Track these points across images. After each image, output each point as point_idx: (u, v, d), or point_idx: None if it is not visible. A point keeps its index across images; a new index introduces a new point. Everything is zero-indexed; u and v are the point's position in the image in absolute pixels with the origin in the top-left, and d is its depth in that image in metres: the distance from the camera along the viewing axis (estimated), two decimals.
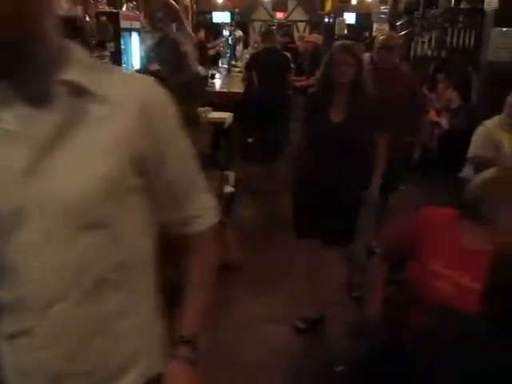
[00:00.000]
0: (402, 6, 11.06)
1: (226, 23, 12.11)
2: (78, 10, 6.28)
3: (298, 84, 6.89)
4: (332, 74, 2.93)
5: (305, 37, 9.23)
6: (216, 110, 5.00)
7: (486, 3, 5.47)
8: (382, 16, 8.94)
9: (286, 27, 17.22)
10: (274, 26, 16.92)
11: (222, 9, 17.84)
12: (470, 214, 1.83)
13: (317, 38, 7.56)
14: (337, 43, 3.19)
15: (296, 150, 3.23)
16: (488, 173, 1.90)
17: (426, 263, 1.82)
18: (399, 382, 1.51)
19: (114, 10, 7.01)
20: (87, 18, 6.36)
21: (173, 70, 3.65)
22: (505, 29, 5.19)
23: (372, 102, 2.98)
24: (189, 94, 3.46)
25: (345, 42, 3.27)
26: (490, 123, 3.34)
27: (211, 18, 17.54)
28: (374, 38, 6.42)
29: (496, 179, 1.85)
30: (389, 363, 1.56)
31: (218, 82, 7.07)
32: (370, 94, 2.99)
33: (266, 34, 6.47)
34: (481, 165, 3.05)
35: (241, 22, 16.75)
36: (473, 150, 3.29)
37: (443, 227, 1.87)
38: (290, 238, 3.21)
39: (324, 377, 2.01)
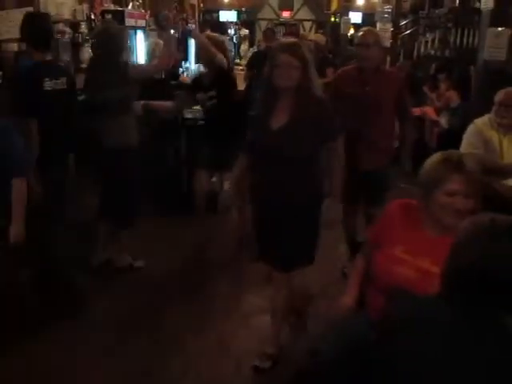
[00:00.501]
0: (407, 5, 11.11)
1: (232, 22, 12.16)
2: (84, 8, 6.40)
3: None
4: (274, 78, 2.53)
5: (306, 36, 9.26)
6: None
7: (482, 3, 5.52)
8: (386, 15, 8.95)
9: (293, 26, 17.30)
10: (282, 24, 17.03)
11: (228, 7, 17.93)
12: (423, 202, 1.88)
13: (319, 37, 7.59)
14: (279, 41, 2.91)
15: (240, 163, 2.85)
16: (430, 159, 1.90)
17: (389, 250, 1.89)
18: (375, 369, 1.57)
19: (119, 8, 7.12)
20: (93, 16, 6.48)
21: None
22: (500, 28, 5.24)
23: (320, 104, 2.59)
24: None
25: (289, 40, 2.92)
26: (480, 121, 3.44)
27: (218, 17, 17.65)
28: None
29: (435, 164, 1.86)
30: (365, 350, 1.63)
31: None
32: (319, 97, 2.61)
33: (268, 33, 6.55)
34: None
35: (247, 20, 16.82)
36: (464, 147, 3.38)
37: (408, 216, 1.94)
38: None
39: (308, 365, 2.07)
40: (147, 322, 3.19)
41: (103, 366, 2.75)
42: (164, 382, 2.71)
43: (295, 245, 2.62)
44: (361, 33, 3.58)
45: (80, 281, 3.49)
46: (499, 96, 3.37)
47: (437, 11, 9.71)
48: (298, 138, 2.51)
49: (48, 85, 3.27)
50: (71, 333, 2.99)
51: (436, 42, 8.77)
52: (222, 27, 11.96)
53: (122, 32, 3.93)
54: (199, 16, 15.62)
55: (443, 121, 6.16)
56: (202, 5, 16.35)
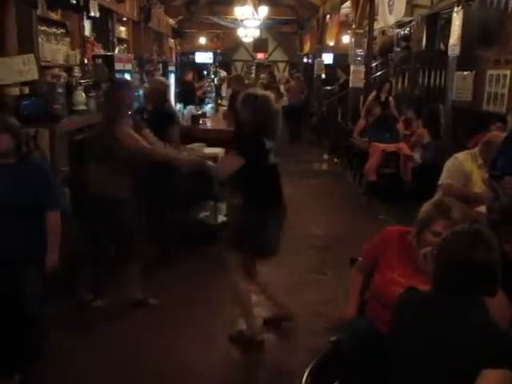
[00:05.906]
0: (376, 47, 11.74)
1: (210, 64, 12.62)
2: (77, 53, 6.73)
3: None
4: None
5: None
6: (209, 145, 5.45)
7: (449, 50, 6.07)
8: (358, 58, 9.55)
9: (269, 67, 18.01)
10: (268, 65, 17.68)
11: (204, 49, 18.55)
12: (416, 237, 2.22)
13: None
14: None
15: None
16: (426, 203, 2.24)
17: (387, 274, 2.25)
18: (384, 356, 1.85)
19: (109, 53, 7.47)
20: (85, 61, 6.80)
21: None
22: (465, 72, 5.80)
23: None
24: None
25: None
26: (462, 156, 3.69)
27: (194, 58, 18.23)
28: None
29: (428, 207, 2.20)
30: (374, 342, 1.93)
31: (208, 121, 7.49)
32: None
33: (239, 79, 7.04)
34: (449, 192, 3.45)
35: (223, 61, 17.40)
36: (443, 178, 3.64)
37: (400, 243, 2.29)
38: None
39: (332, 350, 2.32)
40: None
41: None
42: None
43: None
44: None
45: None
46: (486, 138, 3.64)
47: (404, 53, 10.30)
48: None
49: None
50: None
51: (406, 82, 9.34)
52: (203, 70, 12.38)
53: None
54: (176, 58, 16.12)
55: (417, 156, 6.60)
56: (178, 47, 16.90)
